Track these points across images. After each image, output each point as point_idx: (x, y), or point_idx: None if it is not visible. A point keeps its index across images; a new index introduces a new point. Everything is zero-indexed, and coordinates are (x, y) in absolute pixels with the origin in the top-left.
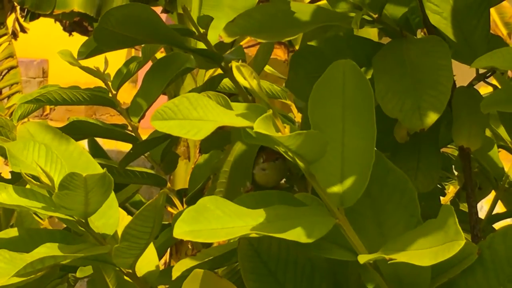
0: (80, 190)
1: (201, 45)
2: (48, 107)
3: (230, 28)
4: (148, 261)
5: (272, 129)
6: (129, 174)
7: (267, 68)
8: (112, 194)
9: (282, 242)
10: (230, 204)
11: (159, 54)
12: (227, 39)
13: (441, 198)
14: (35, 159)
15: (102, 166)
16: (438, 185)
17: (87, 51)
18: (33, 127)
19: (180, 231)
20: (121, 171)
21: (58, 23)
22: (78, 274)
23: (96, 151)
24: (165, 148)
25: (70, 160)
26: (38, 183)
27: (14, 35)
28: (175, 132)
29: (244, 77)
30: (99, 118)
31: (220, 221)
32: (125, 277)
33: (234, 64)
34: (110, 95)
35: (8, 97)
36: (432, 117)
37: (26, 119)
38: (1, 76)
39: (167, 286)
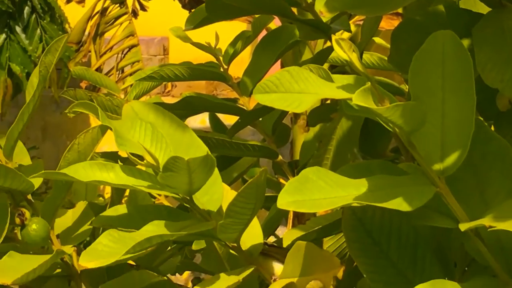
0: (183, 172)
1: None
2: (169, 84)
3: (331, 3)
4: (252, 235)
5: (370, 101)
6: (240, 147)
7: (377, 39)
8: (216, 171)
9: (385, 212)
10: (332, 174)
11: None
12: (327, 15)
13: None
14: (141, 138)
15: (214, 140)
16: None
17: (196, 21)
18: (138, 105)
19: (283, 202)
20: (232, 144)
21: (177, 1)
22: (194, 247)
23: (216, 126)
24: (276, 121)
25: (174, 137)
26: (144, 162)
27: (134, 14)
28: (277, 105)
29: (344, 50)
30: (220, 93)
31: (322, 191)
32: (231, 251)
33: (333, 37)
34: (222, 69)
35: (130, 74)
36: None
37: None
38: (123, 55)
39: None
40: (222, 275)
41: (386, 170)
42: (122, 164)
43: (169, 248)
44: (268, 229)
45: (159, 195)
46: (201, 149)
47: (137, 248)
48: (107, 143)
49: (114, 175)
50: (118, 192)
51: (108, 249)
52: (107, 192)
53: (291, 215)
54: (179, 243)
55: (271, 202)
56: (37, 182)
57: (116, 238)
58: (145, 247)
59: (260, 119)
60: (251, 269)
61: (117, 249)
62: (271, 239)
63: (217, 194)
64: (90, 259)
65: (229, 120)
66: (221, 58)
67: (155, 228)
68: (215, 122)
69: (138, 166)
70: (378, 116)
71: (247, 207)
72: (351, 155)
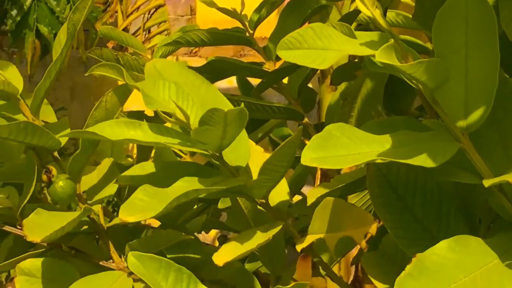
0: (220, 125)
1: None
2: None
3: None
4: (280, 191)
5: (394, 58)
6: (266, 109)
7: None
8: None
9: (410, 168)
10: (356, 130)
11: None
12: None
13: None
14: (166, 97)
15: (240, 102)
16: None
17: None
18: (160, 64)
19: (307, 158)
20: (258, 106)
21: None
22: (220, 206)
23: (244, 87)
24: (301, 83)
25: (199, 94)
26: (173, 120)
27: None
28: (300, 62)
29: (366, 6)
30: (247, 54)
31: (346, 147)
32: (259, 207)
33: None
34: (247, 34)
35: (157, 34)
36: None
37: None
38: (149, 15)
39: None
40: (251, 232)
41: (410, 126)
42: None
43: (195, 206)
44: (294, 188)
45: (185, 154)
46: (225, 106)
47: (174, 202)
48: (135, 103)
49: (142, 133)
50: (143, 152)
51: (144, 204)
52: (136, 153)
53: (318, 175)
54: (205, 201)
55: (297, 162)
56: (63, 140)
57: (151, 193)
58: (181, 201)
59: (286, 82)
60: (281, 226)
61: (153, 203)
62: (297, 197)
63: (244, 149)
64: (130, 213)
65: (256, 81)
66: (246, 23)
67: (186, 184)
68: (243, 83)
69: (168, 124)
70: (402, 73)
71: (281, 164)
72: (375, 113)
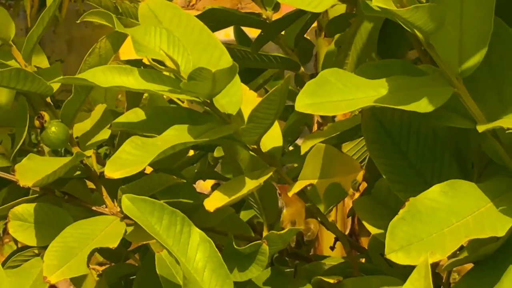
0: (208, 81)
1: None
2: None
3: None
4: (272, 137)
5: (390, 3)
6: (263, 59)
7: None
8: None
9: (404, 113)
10: (350, 76)
11: None
12: None
13: None
14: (157, 44)
15: (237, 52)
16: None
17: None
18: (154, 4)
19: (301, 104)
20: (256, 56)
21: None
22: (216, 154)
23: (241, 38)
24: (298, 34)
25: (191, 37)
26: (163, 67)
27: None
28: (296, 4)
29: None
30: (244, 7)
31: (340, 93)
32: (251, 153)
33: None
34: None
35: None
36: None
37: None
38: None
39: None
40: (243, 177)
41: (405, 70)
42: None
43: (192, 153)
44: (289, 136)
45: (182, 102)
46: (218, 49)
47: (161, 156)
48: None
49: (134, 80)
50: (133, 98)
51: (132, 157)
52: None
53: (315, 127)
54: (201, 149)
55: (288, 114)
56: (55, 86)
57: (139, 145)
58: (168, 154)
59: (283, 33)
60: (272, 171)
61: (141, 156)
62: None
63: (236, 96)
64: (116, 169)
65: (253, 33)
66: None
67: (176, 133)
68: (240, 35)
69: (159, 70)
70: (398, 17)
71: (270, 112)
72: (369, 60)
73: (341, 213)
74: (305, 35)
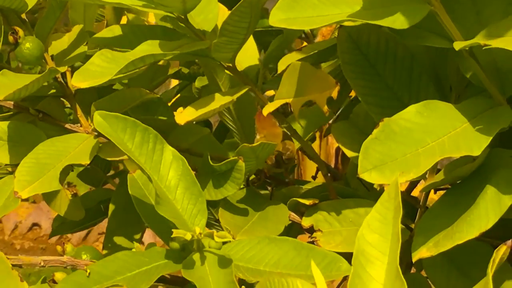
0: None
1: None
2: None
3: None
4: (248, 56)
5: None
6: None
7: None
8: None
9: (381, 35)
10: None
11: None
12: None
13: None
14: None
15: None
16: None
17: None
18: None
19: (276, 19)
20: None
21: None
22: (197, 84)
23: None
24: None
25: None
26: None
27: None
28: None
29: None
30: None
31: (315, 9)
32: (227, 71)
33: None
34: None
35: None
36: None
37: None
38: None
39: None
40: (217, 95)
41: None
42: None
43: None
44: (270, 63)
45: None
46: None
47: (130, 67)
48: None
49: None
50: (115, 16)
51: (100, 69)
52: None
53: None
54: (184, 78)
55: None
56: (31, 1)
57: (109, 58)
58: (138, 66)
59: None
60: (246, 89)
61: (110, 69)
62: None
63: (212, 13)
64: (83, 79)
65: None
66: None
67: (149, 48)
68: None
69: None
70: None
71: (241, 26)
72: None
73: (325, 151)
74: None
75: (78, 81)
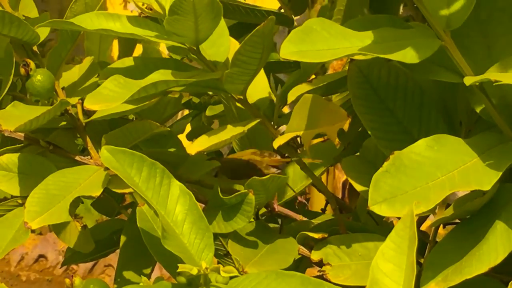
0: (190, 15)
1: None
2: None
3: None
4: (259, 88)
5: None
6: (255, 13)
7: None
8: (222, 23)
9: (391, 69)
10: (336, 26)
11: None
12: None
13: None
14: None
15: (229, 6)
16: None
17: None
18: None
19: (287, 52)
20: (248, 10)
21: None
22: (208, 113)
23: None
24: None
25: None
26: (151, 11)
27: None
28: None
29: None
30: None
31: (326, 42)
32: (238, 104)
33: None
34: None
35: None
36: None
37: None
38: None
39: None
40: (229, 126)
41: (393, 25)
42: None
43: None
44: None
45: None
46: None
47: (142, 93)
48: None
49: (120, 25)
50: (125, 48)
51: (113, 94)
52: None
53: None
54: (194, 108)
55: None
56: (43, 33)
57: (122, 84)
58: (150, 93)
59: None
60: (257, 121)
61: (122, 93)
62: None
63: (224, 46)
64: (95, 102)
65: None
66: None
67: (161, 76)
68: None
69: (146, 14)
70: None
71: (254, 56)
72: (361, 16)
73: (331, 185)
74: None
75: (90, 104)
